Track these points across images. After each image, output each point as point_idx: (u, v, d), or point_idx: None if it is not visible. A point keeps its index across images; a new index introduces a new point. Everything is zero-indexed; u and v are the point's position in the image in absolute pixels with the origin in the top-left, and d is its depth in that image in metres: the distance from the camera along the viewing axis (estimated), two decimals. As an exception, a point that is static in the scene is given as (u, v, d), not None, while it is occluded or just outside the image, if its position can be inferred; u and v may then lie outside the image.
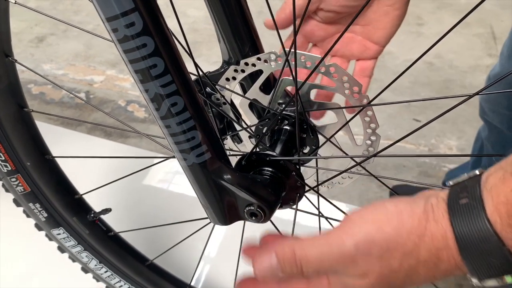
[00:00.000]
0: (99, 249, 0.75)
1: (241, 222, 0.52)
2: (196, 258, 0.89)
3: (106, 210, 0.72)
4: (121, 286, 0.80)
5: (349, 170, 0.54)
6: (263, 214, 0.47)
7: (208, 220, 0.51)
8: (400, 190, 1.66)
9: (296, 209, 0.55)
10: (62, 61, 2.33)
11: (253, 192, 0.47)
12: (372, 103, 0.51)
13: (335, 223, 0.58)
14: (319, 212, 0.59)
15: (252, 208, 0.47)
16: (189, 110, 0.42)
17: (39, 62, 2.32)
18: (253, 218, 0.48)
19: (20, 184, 0.65)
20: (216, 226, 0.52)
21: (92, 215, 0.72)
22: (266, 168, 0.51)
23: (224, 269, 0.94)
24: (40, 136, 0.66)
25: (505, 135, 1.18)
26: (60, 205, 0.69)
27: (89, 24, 2.57)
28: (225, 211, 0.48)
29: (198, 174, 0.46)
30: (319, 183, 0.57)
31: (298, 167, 0.52)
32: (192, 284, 0.86)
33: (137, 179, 1.11)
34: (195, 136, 0.43)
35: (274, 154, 0.50)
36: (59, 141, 1.17)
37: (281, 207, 0.53)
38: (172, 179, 1.15)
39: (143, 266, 0.80)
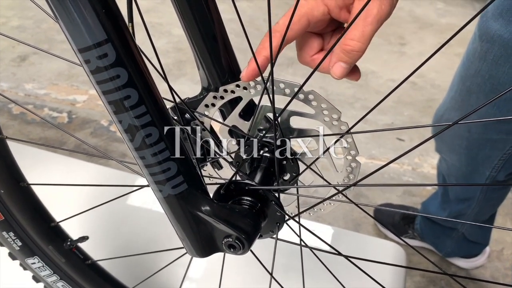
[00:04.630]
0: (76, 278, 0.73)
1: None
2: (177, 285, 0.87)
3: (83, 238, 0.70)
4: (99, 315, 0.77)
5: (330, 198, 0.53)
6: (242, 246, 0.46)
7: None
8: (383, 212, 1.66)
9: (277, 239, 0.54)
10: (45, 80, 2.31)
11: (231, 223, 0.46)
12: (351, 130, 0.50)
13: (318, 253, 0.57)
14: (301, 240, 0.58)
15: (230, 239, 0.46)
16: (164, 141, 0.41)
17: (21, 81, 2.29)
18: (232, 250, 0.46)
19: (-8, 213, 0.63)
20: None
21: (68, 243, 0.70)
22: (245, 198, 0.50)
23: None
24: (15, 163, 0.64)
25: (464, 170, 1.19)
26: (35, 234, 0.67)
27: (72, 44, 2.55)
28: (202, 243, 0.47)
29: (174, 206, 0.44)
30: (299, 211, 0.56)
31: (277, 196, 0.51)
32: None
33: (119, 203, 1.09)
34: (170, 167, 0.42)
35: (253, 183, 0.49)
36: (38, 164, 1.15)
37: (260, 237, 0.52)
38: (155, 202, 1.13)
39: (122, 294, 0.78)
